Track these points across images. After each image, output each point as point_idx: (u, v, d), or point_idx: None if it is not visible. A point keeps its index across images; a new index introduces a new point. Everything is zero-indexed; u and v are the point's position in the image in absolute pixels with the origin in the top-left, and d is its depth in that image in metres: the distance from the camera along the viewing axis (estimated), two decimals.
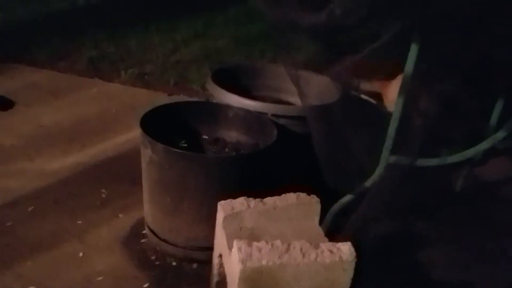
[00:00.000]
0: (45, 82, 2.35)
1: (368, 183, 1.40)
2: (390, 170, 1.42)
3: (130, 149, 1.81)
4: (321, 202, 1.20)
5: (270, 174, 1.40)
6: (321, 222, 1.24)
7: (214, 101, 1.57)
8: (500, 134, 1.21)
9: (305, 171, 1.44)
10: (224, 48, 2.86)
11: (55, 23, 2.88)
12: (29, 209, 1.50)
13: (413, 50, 1.24)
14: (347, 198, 1.42)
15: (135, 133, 1.96)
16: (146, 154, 1.31)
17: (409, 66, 1.25)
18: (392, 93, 1.93)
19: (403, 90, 1.29)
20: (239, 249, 0.97)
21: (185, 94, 2.48)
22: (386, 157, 1.37)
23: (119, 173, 1.69)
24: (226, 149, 1.47)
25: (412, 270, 1.38)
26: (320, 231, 1.17)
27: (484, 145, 1.23)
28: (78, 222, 1.47)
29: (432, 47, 1.44)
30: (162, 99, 2.02)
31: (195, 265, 1.35)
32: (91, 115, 2.10)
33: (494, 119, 1.41)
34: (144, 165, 1.35)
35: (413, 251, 1.44)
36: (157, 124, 1.37)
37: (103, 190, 1.60)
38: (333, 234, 1.31)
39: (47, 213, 1.49)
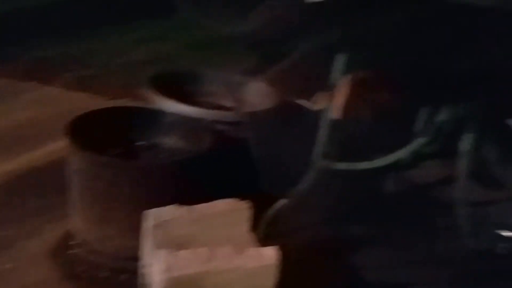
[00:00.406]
0: None
1: (300, 187, 1.43)
2: (323, 174, 1.45)
3: (62, 156, 1.75)
4: (258, 208, 1.21)
5: (206, 181, 1.40)
6: (255, 228, 1.26)
7: (151, 106, 1.56)
8: (420, 141, 1.26)
9: (243, 176, 1.45)
10: (171, 53, 2.83)
11: None
12: None
13: (340, 60, 1.28)
14: (281, 203, 1.44)
15: None
16: (73, 162, 1.27)
17: (336, 74, 1.29)
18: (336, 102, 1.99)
19: (329, 97, 1.33)
20: (162, 258, 0.97)
21: (130, 99, 2.44)
22: (317, 161, 1.40)
23: (49, 182, 1.62)
24: (161, 156, 1.45)
25: (344, 273, 1.42)
26: (250, 237, 1.18)
27: (407, 150, 1.28)
28: (6, 233, 1.40)
29: (362, 56, 1.50)
30: (101, 104, 1.98)
31: (125, 276, 1.32)
32: (27, 121, 2.02)
33: (420, 124, 1.47)
34: (71, 173, 1.31)
35: (346, 254, 1.47)
36: (88, 130, 1.34)
37: (31, 200, 1.54)
38: (268, 240, 1.33)
39: None
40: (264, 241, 1.16)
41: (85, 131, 1.33)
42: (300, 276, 1.25)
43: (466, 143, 1.16)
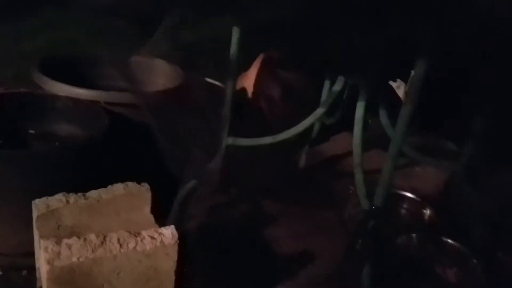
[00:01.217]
0: None
1: (210, 166, 1.41)
2: (231, 151, 1.44)
3: None
4: (165, 191, 1.17)
5: (105, 167, 1.33)
6: (164, 211, 1.22)
7: (42, 92, 1.45)
8: (319, 111, 1.29)
9: (145, 159, 1.40)
10: (71, 40, 2.66)
11: None
12: None
13: (235, 34, 1.26)
14: (191, 183, 1.41)
15: None
16: None
17: (234, 49, 1.27)
18: (244, 80, 1.98)
19: (230, 74, 1.31)
20: (46, 248, 0.90)
21: (27, 88, 2.26)
22: (224, 139, 1.39)
23: None
24: (54, 143, 1.36)
25: (255, 248, 1.43)
26: (151, 220, 1.14)
27: (307, 121, 1.30)
28: None
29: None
30: None
31: (24, 272, 1.24)
32: None
33: (323, 98, 1.50)
34: None
35: (257, 229, 1.49)
36: None
37: None
38: (182, 221, 1.30)
39: None
40: (178, 224, 1.13)
41: None
42: (210, 255, 1.24)
43: (359, 110, 1.20)
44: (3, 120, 1.37)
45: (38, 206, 1.04)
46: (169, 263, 1.00)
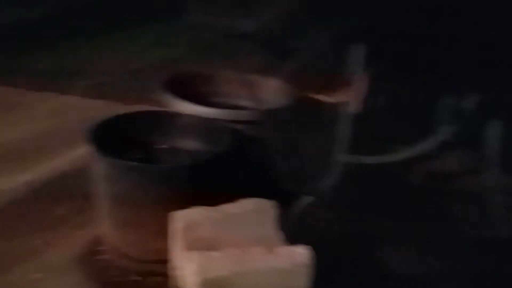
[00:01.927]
0: None
1: (324, 183, 1.42)
2: (347, 169, 1.44)
3: (85, 163, 1.76)
4: (280, 207, 1.20)
5: (227, 180, 1.39)
6: (281, 227, 1.25)
7: (167, 110, 1.56)
8: (447, 129, 1.24)
9: (263, 175, 1.45)
10: (183, 56, 2.83)
11: (3, 36, 2.78)
12: None
13: (356, 53, 1.26)
14: (306, 200, 1.43)
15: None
16: (96, 168, 1.28)
17: (353, 68, 1.27)
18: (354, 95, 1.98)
19: (348, 91, 1.32)
20: (194, 260, 0.96)
21: (146, 104, 2.44)
22: (340, 156, 1.39)
23: (74, 190, 1.63)
24: (181, 159, 1.45)
25: (371, 269, 1.40)
26: (278, 236, 1.17)
27: (434, 140, 1.26)
28: (34, 242, 1.41)
29: (379, 49, 1.48)
30: (118, 110, 1.98)
31: (157, 279, 1.33)
32: (45, 130, 2.03)
33: (444, 113, 1.45)
34: (95, 179, 1.32)
35: (372, 250, 1.46)
36: (107, 136, 1.35)
37: (58, 208, 1.55)
38: (295, 238, 1.32)
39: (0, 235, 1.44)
40: (292, 240, 1.15)
41: (105, 136, 1.33)
42: (330, 274, 1.24)
43: (493, 130, 1.14)
44: (135, 136, 1.49)
45: (180, 218, 1.11)
46: (302, 282, 1.02)
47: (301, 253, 1.00)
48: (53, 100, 2.30)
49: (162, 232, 1.26)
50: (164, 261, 1.29)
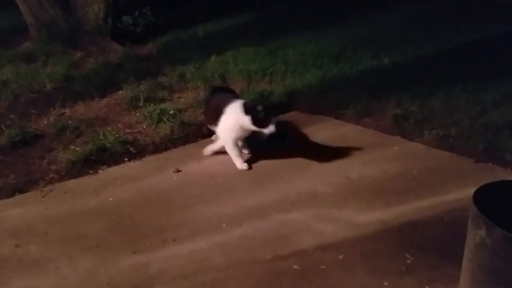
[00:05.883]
0: (352, 136, 2.53)
1: None
2: None
3: (432, 216, 1.75)
4: None
5: None
6: None
7: None
8: None
9: None
10: None
11: (363, 81, 3.09)
12: (340, 256, 1.60)
13: None
14: None
15: (438, 199, 1.88)
16: (477, 234, 1.20)
17: None
18: None
19: None
20: None
21: (494, 163, 2.22)
22: None
23: (424, 241, 1.64)
24: None
25: None
26: None
27: None
28: (384, 283, 1.48)
29: None
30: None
31: None
32: (393, 173, 2.12)
33: None
34: (471, 245, 1.24)
35: None
36: (491, 201, 1.25)
37: (407, 255, 1.58)
38: None
39: (355, 266, 1.56)
40: None
41: (490, 201, 1.24)
42: None
43: None
44: None
45: None
46: None
47: None
48: (400, 144, 2.36)
49: None
50: None
